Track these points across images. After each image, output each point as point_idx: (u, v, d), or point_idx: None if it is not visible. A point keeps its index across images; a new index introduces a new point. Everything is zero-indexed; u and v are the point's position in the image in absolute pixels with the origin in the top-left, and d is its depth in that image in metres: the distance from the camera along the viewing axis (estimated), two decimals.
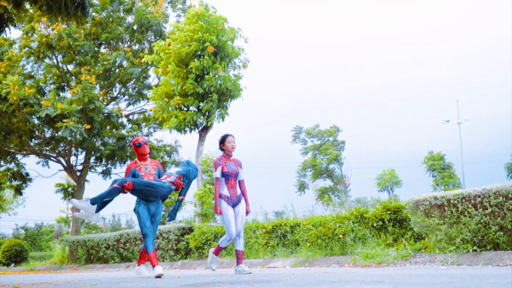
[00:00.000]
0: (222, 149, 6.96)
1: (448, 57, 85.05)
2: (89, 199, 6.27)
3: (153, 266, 6.60)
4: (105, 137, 18.49)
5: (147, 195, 6.64)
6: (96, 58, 18.14)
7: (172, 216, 6.90)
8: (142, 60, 14.26)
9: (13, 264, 20.03)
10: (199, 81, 12.44)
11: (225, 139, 6.92)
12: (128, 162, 19.60)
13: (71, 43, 17.64)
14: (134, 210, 6.89)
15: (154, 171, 7.07)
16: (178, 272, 8.48)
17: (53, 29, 17.48)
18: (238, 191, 6.87)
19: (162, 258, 12.19)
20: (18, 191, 20.48)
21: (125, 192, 6.51)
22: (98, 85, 17.95)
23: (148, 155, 7.19)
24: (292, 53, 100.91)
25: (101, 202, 6.28)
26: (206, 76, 12.10)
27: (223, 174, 6.77)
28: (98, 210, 6.28)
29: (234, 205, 6.80)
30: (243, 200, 6.91)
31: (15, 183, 20.25)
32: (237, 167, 6.91)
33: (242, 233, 6.80)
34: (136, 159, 7.14)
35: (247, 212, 6.92)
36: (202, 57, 12.42)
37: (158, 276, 6.34)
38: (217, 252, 7.05)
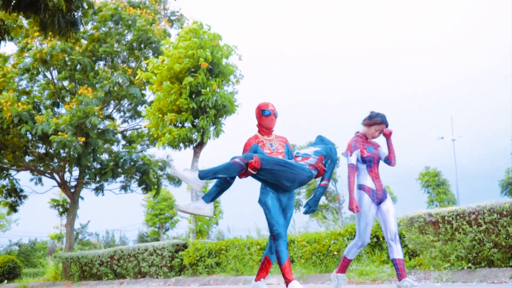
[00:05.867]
0: (365, 126, 5.32)
1: (445, 74, 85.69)
2: (197, 170, 4.69)
3: (288, 282, 4.73)
4: (99, 154, 18.38)
5: (281, 178, 4.77)
6: (96, 75, 18.09)
7: (311, 206, 4.95)
8: (137, 77, 14.19)
9: (6, 281, 19.81)
10: (194, 97, 12.45)
11: (375, 124, 5.25)
12: (122, 177, 19.51)
13: (66, 58, 17.61)
14: (260, 201, 5.01)
15: (282, 149, 5.16)
16: None
17: (46, 44, 17.30)
18: (384, 183, 5.26)
19: (156, 275, 12.11)
20: (13, 208, 20.27)
21: (247, 175, 4.79)
22: (94, 99, 17.88)
23: (273, 130, 5.26)
24: (290, 68, 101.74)
25: (213, 178, 4.70)
26: (203, 90, 12.10)
27: (364, 160, 5.20)
28: (210, 199, 4.77)
29: (379, 202, 5.18)
30: (389, 195, 5.26)
31: (10, 200, 20.04)
32: (376, 149, 5.32)
33: (397, 236, 5.08)
34: (257, 133, 5.21)
35: None
36: (196, 73, 12.42)
37: None
38: (344, 269, 5.39)
